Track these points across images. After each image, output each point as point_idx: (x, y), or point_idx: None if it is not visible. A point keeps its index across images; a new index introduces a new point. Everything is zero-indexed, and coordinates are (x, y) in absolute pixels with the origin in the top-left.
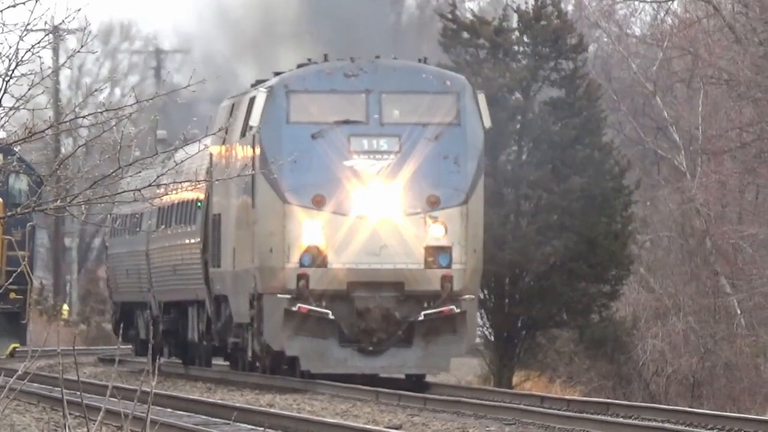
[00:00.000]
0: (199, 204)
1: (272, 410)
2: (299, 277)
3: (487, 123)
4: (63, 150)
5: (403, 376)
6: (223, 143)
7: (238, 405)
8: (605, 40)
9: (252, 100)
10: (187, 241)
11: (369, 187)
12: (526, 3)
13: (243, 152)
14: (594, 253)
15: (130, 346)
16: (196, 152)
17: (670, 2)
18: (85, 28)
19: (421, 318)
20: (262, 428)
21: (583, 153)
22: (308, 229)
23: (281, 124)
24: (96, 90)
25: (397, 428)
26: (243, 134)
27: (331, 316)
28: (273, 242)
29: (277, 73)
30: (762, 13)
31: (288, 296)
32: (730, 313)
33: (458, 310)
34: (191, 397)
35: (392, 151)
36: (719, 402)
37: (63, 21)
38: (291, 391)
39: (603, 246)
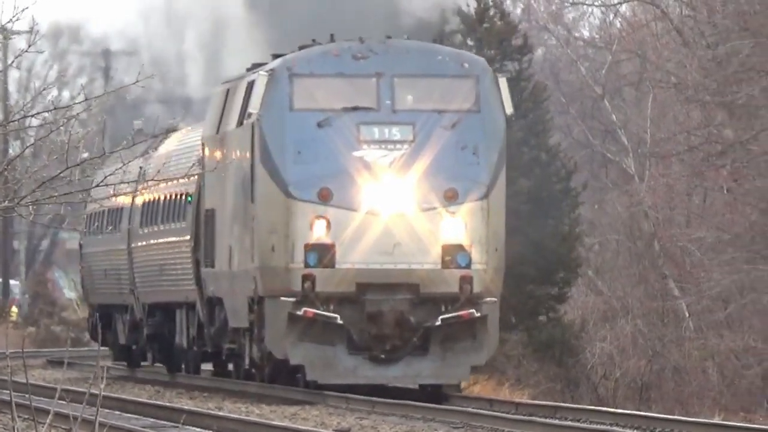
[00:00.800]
0: (189, 198)
1: (220, 413)
2: (304, 278)
3: (509, 110)
4: (11, 151)
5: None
6: (217, 132)
7: (186, 408)
8: (554, 43)
9: (251, 85)
10: (176, 239)
11: (380, 180)
12: (468, 5)
13: (240, 142)
14: (541, 255)
15: (107, 350)
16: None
17: (619, 5)
18: (32, 28)
19: (438, 323)
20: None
21: (530, 155)
22: (314, 226)
23: (284, 112)
24: (44, 89)
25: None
26: (240, 123)
27: (340, 321)
28: (275, 240)
29: (276, 56)
30: (710, 17)
31: (292, 299)
32: (678, 316)
33: (478, 314)
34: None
35: (406, 141)
36: (667, 405)
37: (10, 20)
38: (292, 402)
39: (550, 248)
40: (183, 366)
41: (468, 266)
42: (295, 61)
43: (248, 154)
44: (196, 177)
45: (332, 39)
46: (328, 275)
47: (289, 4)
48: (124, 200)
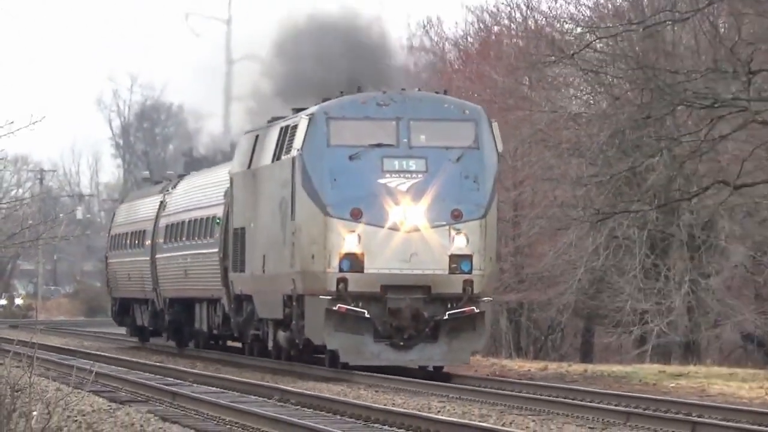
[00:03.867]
0: (217, 221)
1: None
2: (339, 280)
3: (500, 147)
4: None
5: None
6: (249, 168)
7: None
8: None
9: (285, 129)
10: (203, 251)
11: (400, 202)
12: None
13: (279, 173)
14: None
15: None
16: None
17: None
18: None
19: (446, 317)
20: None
21: None
22: (347, 239)
23: (323, 147)
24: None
25: None
26: (278, 158)
27: (367, 315)
28: (314, 250)
29: (297, 110)
30: None
31: (329, 297)
32: None
33: (477, 311)
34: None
35: (420, 171)
36: None
37: None
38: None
39: None
40: (193, 343)
41: (470, 272)
42: (330, 107)
43: (288, 182)
44: (223, 203)
45: (359, 90)
46: (358, 278)
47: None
48: (145, 225)
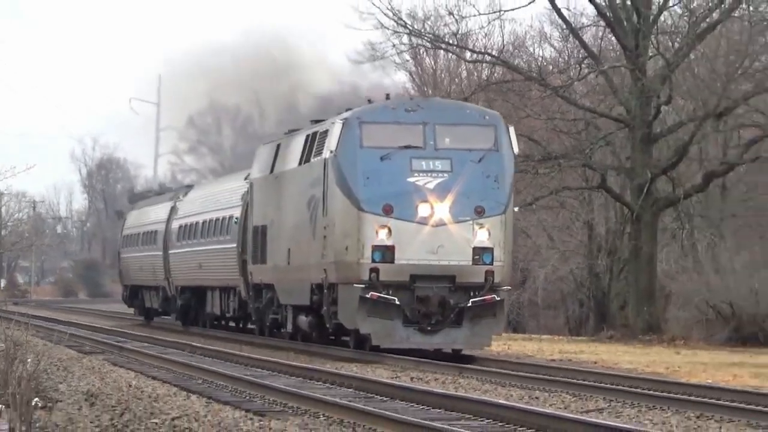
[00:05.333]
0: (235, 221)
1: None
2: (371, 270)
3: (516, 150)
4: None
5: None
6: (271, 173)
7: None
8: None
9: (317, 134)
10: (220, 246)
11: (428, 199)
12: None
13: (308, 174)
14: None
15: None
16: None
17: None
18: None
19: (470, 304)
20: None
21: None
22: (379, 232)
23: (356, 149)
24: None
25: None
26: (304, 161)
27: (397, 302)
28: (348, 242)
29: (315, 121)
30: None
31: (362, 286)
32: None
33: (498, 299)
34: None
35: (445, 171)
36: None
37: None
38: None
39: None
40: (201, 324)
41: (491, 263)
42: (363, 112)
43: (320, 181)
44: (240, 205)
45: (388, 97)
46: (389, 268)
47: None
48: (157, 226)
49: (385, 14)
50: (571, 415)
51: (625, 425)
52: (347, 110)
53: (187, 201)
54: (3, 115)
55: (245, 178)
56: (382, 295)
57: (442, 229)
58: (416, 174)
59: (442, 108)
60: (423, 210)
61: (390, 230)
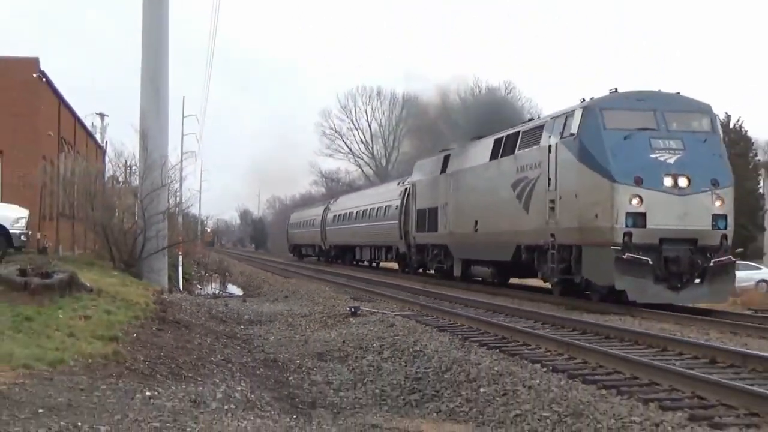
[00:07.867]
0: (396, 207)
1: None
2: (624, 234)
3: (721, 135)
4: None
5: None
6: (441, 173)
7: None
8: None
9: (559, 118)
10: (378, 223)
11: (671, 172)
12: None
13: (512, 164)
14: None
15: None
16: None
17: None
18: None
19: (711, 264)
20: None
21: None
22: (632, 201)
23: (600, 130)
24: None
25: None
26: (501, 155)
27: (649, 262)
28: (598, 210)
29: (444, 149)
30: None
31: (617, 248)
32: None
33: (733, 260)
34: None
35: (680, 149)
36: None
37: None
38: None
39: None
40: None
41: (725, 228)
42: (600, 101)
43: (542, 163)
44: (399, 195)
45: (615, 90)
46: (640, 233)
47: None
48: (315, 218)
49: None
50: None
51: None
52: (581, 100)
53: (338, 203)
54: None
55: (398, 184)
56: (635, 256)
57: (687, 198)
58: (656, 151)
59: (665, 98)
60: (668, 181)
61: (641, 199)
